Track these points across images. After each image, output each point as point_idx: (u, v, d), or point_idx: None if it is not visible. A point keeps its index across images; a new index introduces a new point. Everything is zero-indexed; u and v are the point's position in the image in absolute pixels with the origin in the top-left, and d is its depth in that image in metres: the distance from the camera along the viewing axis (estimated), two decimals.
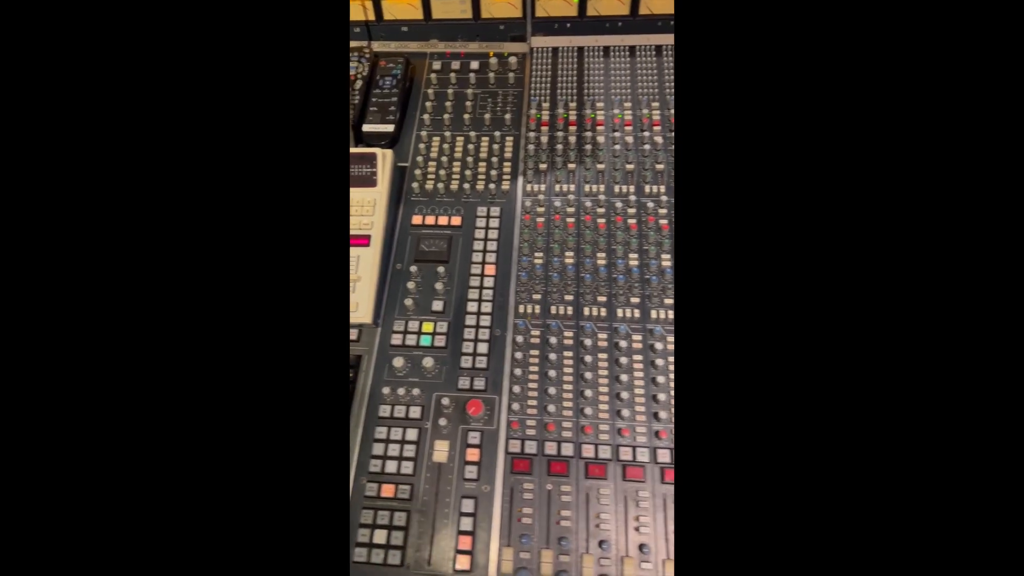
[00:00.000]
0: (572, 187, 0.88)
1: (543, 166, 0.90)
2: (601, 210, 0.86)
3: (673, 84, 0.97)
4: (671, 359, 0.73)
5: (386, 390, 0.74)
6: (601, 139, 0.92)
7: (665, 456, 0.68)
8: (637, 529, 0.64)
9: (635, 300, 0.78)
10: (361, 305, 0.78)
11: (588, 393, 0.72)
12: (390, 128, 0.94)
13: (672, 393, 0.71)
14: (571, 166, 0.90)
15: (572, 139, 0.92)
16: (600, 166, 0.90)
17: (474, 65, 1.02)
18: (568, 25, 1.02)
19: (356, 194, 0.85)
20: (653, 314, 0.77)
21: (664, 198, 0.85)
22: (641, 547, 0.63)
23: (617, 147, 0.91)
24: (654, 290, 0.78)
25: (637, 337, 0.75)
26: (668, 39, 1.01)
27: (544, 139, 0.93)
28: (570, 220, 0.85)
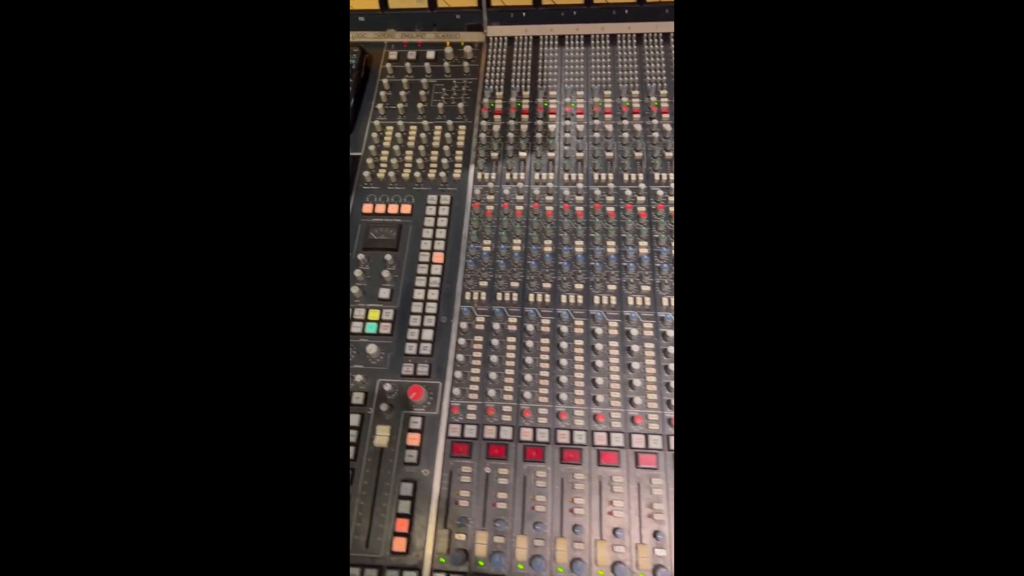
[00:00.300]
0: (523, 175, 0.89)
1: (495, 155, 0.91)
2: (550, 198, 0.86)
3: (625, 72, 0.97)
4: (612, 344, 0.74)
5: None
6: (553, 127, 0.92)
7: (602, 439, 0.69)
8: (572, 511, 0.65)
9: (579, 287, 0.79)
10: None
11: (528, 378, 0.73)
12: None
13: (612, 378, 0.72)
14: (522, 154, 0.90)
15: (524, 128, 0.93)
16: (551, 154, 0.90)
17: (430, 55, 1.02)
18: (524, 14, 1.02)
19: None
20: (596, 300, 0.77)
21: (611, 186, 0.86)
22: (575, 527, 0.64)
23: (568, 135, 0.92)
24: (598, 277, 0.79)
25: (579, 323, 0.76)
26: (623, 28, 1.01)
27: (496, 128, 0.93)
28: (519, 208, 0.86)
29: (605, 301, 0.77)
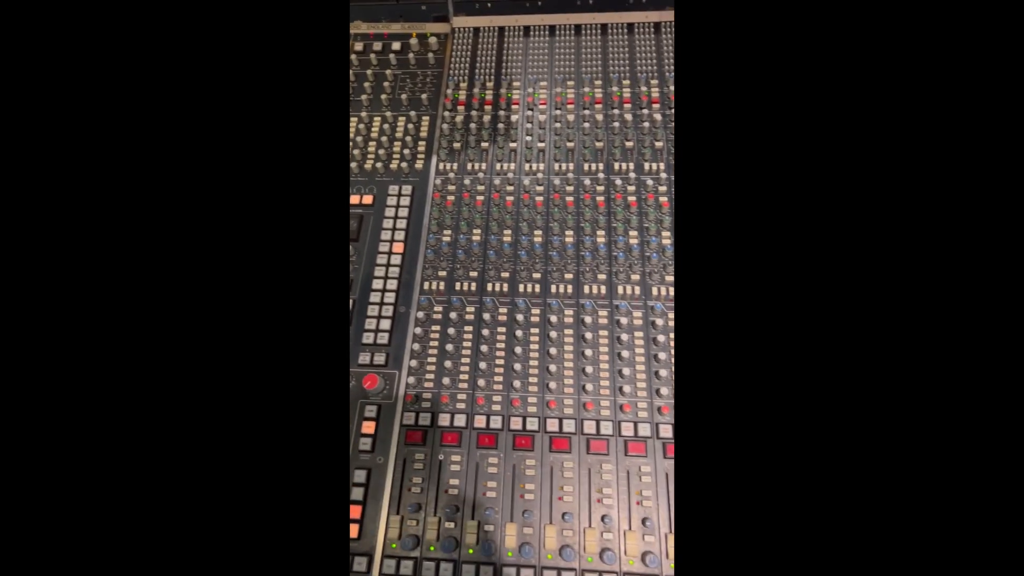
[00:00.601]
0: (484, 166, 0.89)
1: (457, 145, 0.91)
2: (511, 188, 0.87)
3: (587, 63, 0.98)
4: (568, 331, 0.75)
5: None
6: (515, 118, 0.93)
7: (554, 425, 0.69)
8: (523, 496, 0.66)
9: (536, 276, 0.79)
10: None
11: (483, 366, 0.73)
12: None
13: (567, 365, 0.73)
14: (484, 145, 0.91)
15: (487, 118, 0.93)
16: (513, 144, 0.90)
17: (395, 46, 1.02)
18: (489, 5, 1.02)
19: None
20: (553, 288, 0.78)
21: (571, 175, 0.86)
22: (524, 512, 0.65)
23: (530, 126, 0.92)
24: (555, 265, 0.79)
25: (536, 311, 0.77)
26: (587, 18, 1.01)
27: (460, 119, 0.93)
28: (479, 198, 0.86)
29: (562, 290, 0.78)
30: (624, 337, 0.73)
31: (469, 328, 0.76)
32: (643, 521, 0.64)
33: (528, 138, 0.91)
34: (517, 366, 0.73)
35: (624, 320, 0.74)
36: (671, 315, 0.75)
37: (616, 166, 0.87)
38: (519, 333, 0.74)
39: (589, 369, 0.72)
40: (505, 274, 0.79)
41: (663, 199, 0.83)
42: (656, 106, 0.92)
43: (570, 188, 0.85)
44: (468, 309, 0.78)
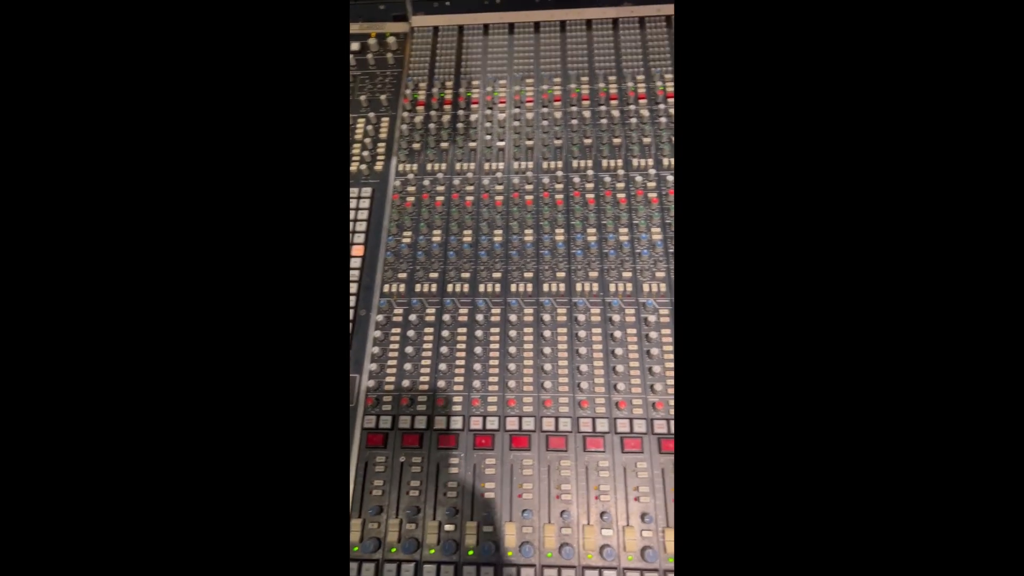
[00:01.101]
0: (443, 166, 0.89)
1: (416, 146, 0.91)
2: (470, 188, 0.87)
3: (547, 61, 0.98)
4: (527, 330, 0.75)
5: None
6: (475, 117, 0.93)
7: (513, 424, 0.70)
8: (482, 495, 0.66)
9: (497, 275, 0.79)
10: None
11: (443, 367, 0.74)
12: None
13: (526, 362, 0.73)
14: (444, 145, 0.91)
15: (446, 118, 0.93)
16: (472, 144, 0.90)
17: (354, 46, 1.01)
18: (448, 3, 1.02)
19: None
20: (513, 287, 0.78)
21: (530, 174, 0.87)
22: (485, 515, 0.65)
23: (489, 124, 0.92)
24: (515, 265, 0.80)
25: (496, 311, 0.77)
26: (546, 15, 1.01)
27: (419, 119, 0.93)
28: (439, 199, 0.86)
29: (522, 288, 0.78)
30: (581, 334, 0.74)
31: (429, 330, 0.76)
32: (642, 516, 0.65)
33: (488, 137, 0.91)
34: (478, 366, 0.73)
35: (581, 317, 0.75)
36: (628, 311, 0.76)
37: (574, 164, 0.87)
38: (479, 333, 0.75)
39: (548, 367, 0.72)
40: (466, 274, 0.80)
41: (652, 195, 0.84)
42: (615, 102, 0.92)
43: (529, 187, 0.86)
44: (429, 311, 0.78)
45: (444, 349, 0.74)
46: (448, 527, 0.65)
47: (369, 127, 0.93)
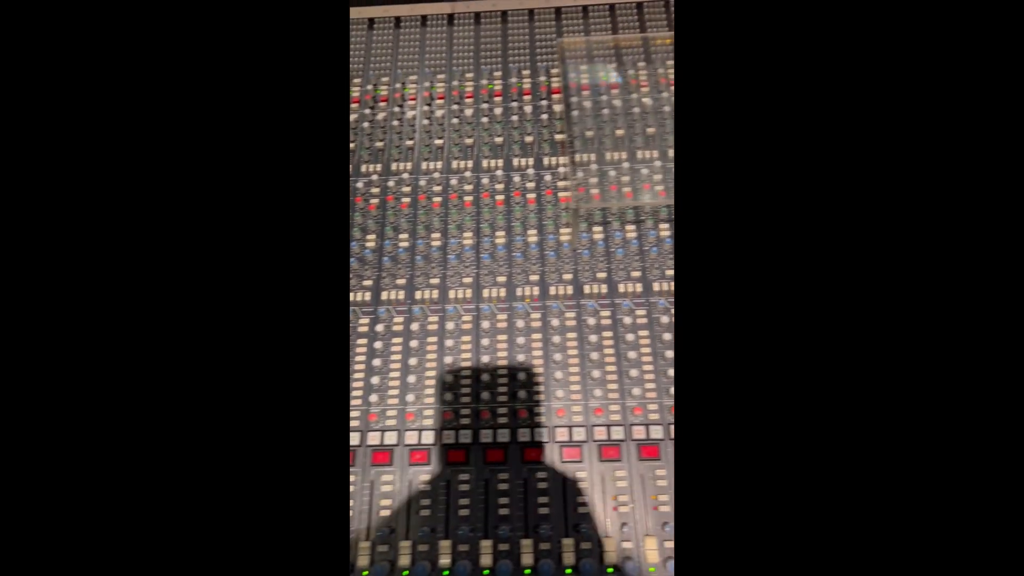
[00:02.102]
0: (379, 167, 0.85)
1: (351, 145, 0.87)
2: (407, 189, 0.83)
3: (488, 52, 0.94)
4: (500, 337, 0.73)
5: None
6: (412, 114, 0.89)
7: (487, 437, 0.68)
8: (458, 512, 0.64)
9: (434, 281, 0.77)
10: None
11: (412, 379, 0.71)
12: None
13: (498, 374, 0.71)
14: (379, 144, 0.87)
15: (381, 116, 0.89)
16: (409, 143, 0.87)
17: None
18: None
19: None
20: (485, 293, 0.76)
21: (469, 174, 0.83)
22: (458, 530, 0.63)
23: (427, 122, 0.88)
24: (453, 270, 0.77)
25: (467, 318, 0.74)
26: (485, 5, 0.97)
27: (353, 117, 0.89)
28: (373, 202, 0.82)
29: (495, 294, 0.76)
30: (556, 339, 0.72)
31: (397, 340, 0.73)
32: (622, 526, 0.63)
33: (425, 135, 0.87)
34: (449, 378, 0.71)
35: (555, 322, 0.73)
36: (605, 312, 0.74)
37: (515, 162, 0.84)
38: (450, 343, 0.72)
39: (559, 375, 0.70)
40: (435, 280, 0.77)
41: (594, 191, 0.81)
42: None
43: (469, 188, 0.83)
44: (396, 319, 0.75)
45: (413, 360, 0.72)
46: (422, 546, 0.63)
47: None
